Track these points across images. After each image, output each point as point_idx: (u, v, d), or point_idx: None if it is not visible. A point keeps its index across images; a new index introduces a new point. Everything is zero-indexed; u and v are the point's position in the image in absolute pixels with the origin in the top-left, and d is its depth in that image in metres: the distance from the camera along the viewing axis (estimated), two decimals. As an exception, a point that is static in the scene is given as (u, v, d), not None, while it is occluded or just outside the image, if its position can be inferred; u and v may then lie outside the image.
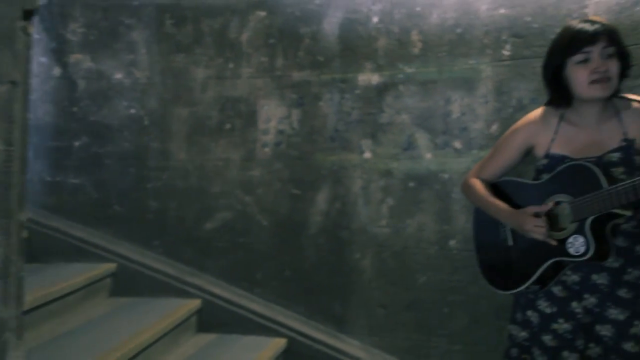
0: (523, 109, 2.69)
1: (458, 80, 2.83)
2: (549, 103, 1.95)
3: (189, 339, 2.99)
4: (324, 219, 3.05)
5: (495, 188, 2.07)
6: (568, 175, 1.82)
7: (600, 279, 1.80)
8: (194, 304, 3.07)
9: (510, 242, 1.99)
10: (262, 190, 3.14)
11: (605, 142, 1.82)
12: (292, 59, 3.13)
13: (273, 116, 3.14)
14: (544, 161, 1.91)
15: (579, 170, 1.78)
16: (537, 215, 1.86)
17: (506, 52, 2.74)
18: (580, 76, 1.80)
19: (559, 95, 1.89)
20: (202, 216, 3.20)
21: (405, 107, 2.93)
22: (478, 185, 2.08)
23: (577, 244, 1.78)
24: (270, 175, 3.13)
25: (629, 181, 1.63)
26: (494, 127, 2.75)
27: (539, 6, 2.68)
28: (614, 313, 1.79)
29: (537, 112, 2.00)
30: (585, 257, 1.76)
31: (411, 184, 2.91)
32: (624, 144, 1.80)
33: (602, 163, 1.79)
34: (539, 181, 1.93)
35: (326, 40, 3.08)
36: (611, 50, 1.79)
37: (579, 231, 1.77)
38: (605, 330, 1.80)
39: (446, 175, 2.83)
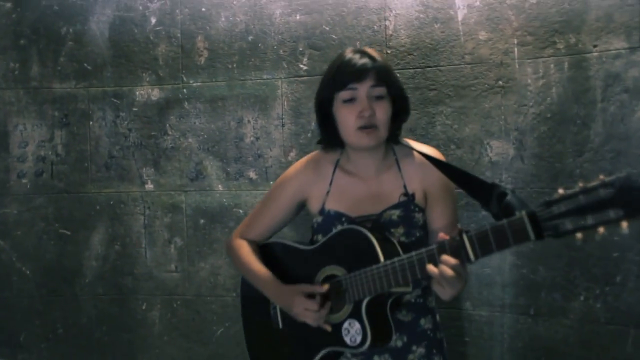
0: (323, 134, 2.34)
1: (250, 97, 2.40)
2: (320, 143, 1.64)
3: None
4: (102, 264, 2.52)
5: (266, 251, 1.70)
6: (342, 241, 1.51)
7: None
8: None
9: (280, 325, 1.64)
10: (21, 231, 2.50)
11: (385, 196, 1.54)
12: (52, 67, 2.49)
13: (31, 139, 2.50)
14: (319, 219, 1.59)
15: (354, 237, 1.47)
16: (310, 295, 1.52)
17: (303, 67, 2.35)
18: (346, 119, 1.51)
19: (330, 135, 1.58)
20: (-56, 267, 2.51)
21: (191, 129, 2.45)
22: (244, 248, 1.70)
23: (353, 331, 1.47)
24: (30, 213, 2.50)
25: (406, 256, 1.35)
26: (292, 155, 2.37)
27: (337, 14, 2.30)
28: None
29: (311, 157, 1.67)
30: (362, 348, 1.45)
31: (202, 221, 2.46)
32: (404, 199, 1.53)
33: (382, 222, 1.52)
34: (311, 247, 1.59)
35: (94, 44, 2.49)
36: (381, 91, 1.49)
37: (355, 314, 1.46)
38: None
39: (241, 211, 2.42)
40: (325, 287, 1.50)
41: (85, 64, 2.49)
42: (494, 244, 1.18)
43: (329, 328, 1.49)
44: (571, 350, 2.00)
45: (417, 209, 1.53)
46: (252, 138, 2.41)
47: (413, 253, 1.33)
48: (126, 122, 2.49)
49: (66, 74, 2.49)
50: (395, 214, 1.52)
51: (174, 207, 2.48)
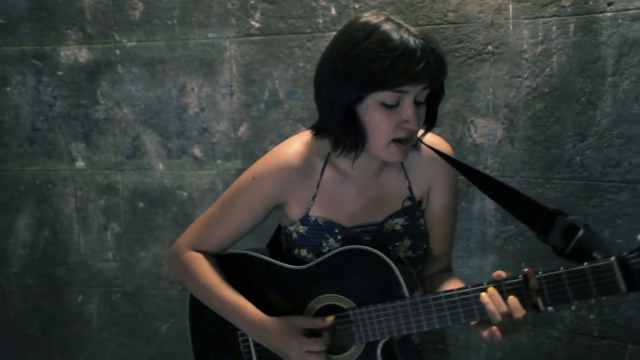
0: (278, 105, 1.98)
1: (194, 60, 2.02)
2: (335, 148, 1.19)
3: None
4: (30, 252, 2.21)
5: (225, 264, 1.30)
6: (348, 265, 1.18)
7: None
8: None
9: None
10: None
11: (386, 201, 1.25)
12: (-42, 21, 2.10)
13: (-62, 107, 2.14)
14: (300, 228, 1.24)
15: (366, 261, 1.15)
16: (309, 332, 1.18)
17: (255, 24, 1.96)
18: (381, 126, 1.11)
19: (349, 139, 1.15)
20: None
21: (126, 97, 2.09)
22: (202, 266, 1.27)
23: None
24: (-56, 194, 2.18)
25: (458, 291, 1.08)
26: (243, 129, 2.01)
27: (296, -42, 1.90)
28: None
29: (294, 149, 1.24)
30: None
31: (141, 204, 2.13)
32: (408, 204, 1.25)
33: (384, 234, 1.24)
34: (301, 267, 1.22)
35: (8, -7, 2.09)
36: (426, 94, 1.12)
37: (367, 358, 1.17)
38: None
39: (185, 194, 2.09)
40: (331, 318, 1.17)
41: (-1, 18, 2.10)
42: (571, 293, 0.99)
43: None
44: (559, 366, 1.73)
45: (421, 214, 1.27)
46: (196, 109, 2.04)
47: (469, 287, 1.07)
48: (50, 89, 2.12)
49: (-24, 29, 2.11)
50: (399, 222, 1.25)
51: (109, 188, 2.14)
